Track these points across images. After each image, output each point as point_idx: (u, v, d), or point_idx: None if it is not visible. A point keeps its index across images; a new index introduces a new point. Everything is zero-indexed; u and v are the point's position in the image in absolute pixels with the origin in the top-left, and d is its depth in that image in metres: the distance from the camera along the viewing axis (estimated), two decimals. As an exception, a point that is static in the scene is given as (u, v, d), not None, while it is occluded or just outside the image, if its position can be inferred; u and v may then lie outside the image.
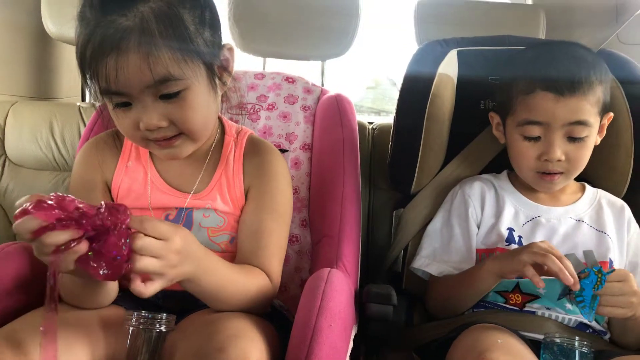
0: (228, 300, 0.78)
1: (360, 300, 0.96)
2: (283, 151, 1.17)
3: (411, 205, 1.16)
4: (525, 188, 1.06)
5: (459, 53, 1.18)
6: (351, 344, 0.82)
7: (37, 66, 1.62)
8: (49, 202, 0.60)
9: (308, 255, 1.10)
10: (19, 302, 0.81)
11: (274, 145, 1.15)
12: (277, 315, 0.89)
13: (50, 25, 1.44)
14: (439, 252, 1.05)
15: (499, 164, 1.12)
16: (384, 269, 1.19)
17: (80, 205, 0.61)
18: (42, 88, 1.63)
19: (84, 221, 0.61)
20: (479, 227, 1.04)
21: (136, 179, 0.90)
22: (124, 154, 0.92)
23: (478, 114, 1.16)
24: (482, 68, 1.16)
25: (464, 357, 0.79)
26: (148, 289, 0.65)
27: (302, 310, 0.77)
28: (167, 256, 0.66)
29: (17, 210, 0.60)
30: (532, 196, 1.05)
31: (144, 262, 0.64)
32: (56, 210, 0.60)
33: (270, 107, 1.21)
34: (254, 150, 0.93)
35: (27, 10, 1.54)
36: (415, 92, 1.13)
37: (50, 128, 1.45)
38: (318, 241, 1.06)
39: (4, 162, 1.47)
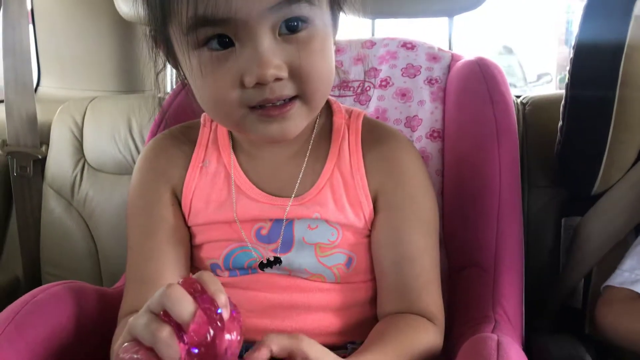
0: None
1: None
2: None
3: (596, 210, 0.84)
4: None
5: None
6: None
7: (117, 56, 1.47)
8: None
9: (445, 286, 0.80)
10: (71, 350, 0.67)
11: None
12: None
13: (122, 5, 1.26)
14: None
15: None
16: (554, 302, 0.86)
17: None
18: (123, 80, 1.47)
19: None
20: None
21: (216, 184, 0.68)
22: (199, 151, 0.70)
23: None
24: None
25: None
26: None
27: None
28: None
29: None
30: None
31: None
32: None
33: (384, 83, 0.92)
34: (374, 137, 0.68)
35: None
36: (599, 48, 0.80)
37: (128, 126, 1.27)
38: (462, 269, 0.78)
39: (83, 166, 1.30)
